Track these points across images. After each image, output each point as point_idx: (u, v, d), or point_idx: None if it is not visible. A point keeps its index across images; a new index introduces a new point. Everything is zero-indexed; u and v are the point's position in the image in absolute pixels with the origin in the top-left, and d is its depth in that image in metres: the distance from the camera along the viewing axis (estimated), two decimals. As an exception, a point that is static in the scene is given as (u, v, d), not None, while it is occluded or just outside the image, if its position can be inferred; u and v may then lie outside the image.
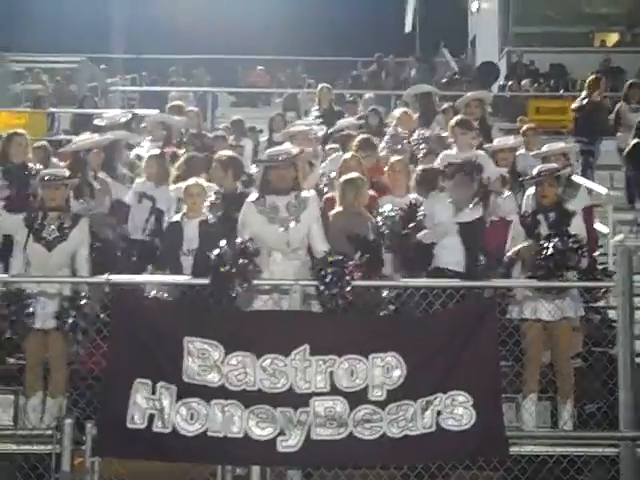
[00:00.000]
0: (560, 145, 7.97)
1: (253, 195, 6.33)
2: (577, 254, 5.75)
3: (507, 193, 7.15)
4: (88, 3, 23.60)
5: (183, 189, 6.89)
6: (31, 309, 5.73)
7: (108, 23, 19.10)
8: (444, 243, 6.36)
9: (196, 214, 6.73)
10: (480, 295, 5.79)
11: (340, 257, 5.64)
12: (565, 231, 5.95)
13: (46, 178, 6.15)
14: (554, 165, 6.72)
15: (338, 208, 6.58)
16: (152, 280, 5.81)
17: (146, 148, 8.47)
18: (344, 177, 6.68)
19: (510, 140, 7.94)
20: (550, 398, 6.08)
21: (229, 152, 7.64)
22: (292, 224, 6.07)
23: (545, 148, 7.69)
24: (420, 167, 7.37)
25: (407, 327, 5.51)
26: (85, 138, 7.59)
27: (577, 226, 6.17)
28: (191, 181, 6.90)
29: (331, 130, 9.34)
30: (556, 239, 5.75)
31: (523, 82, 17.79)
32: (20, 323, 5.68)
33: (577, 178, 8.03)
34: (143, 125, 9.39)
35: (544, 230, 6.09)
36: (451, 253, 6.32)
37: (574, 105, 12.15)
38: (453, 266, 6.30)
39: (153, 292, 6.05)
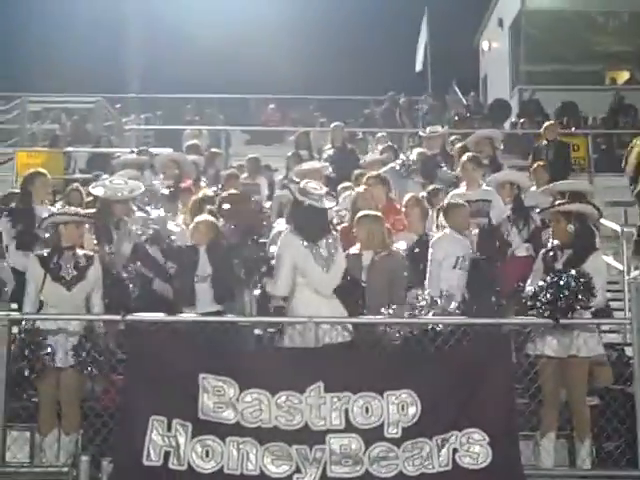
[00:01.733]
0: (571, 183, 7.98)
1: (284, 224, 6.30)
2: (586, 294, 5.63)
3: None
4: (103, 44, 24.00)
5: (193, 225, 6.94)
6: (49, 349, 5.74)
7: (123, 64, 19.37)
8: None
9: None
10: (496, 332, 5.78)
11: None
12: (578, 270, 5.84)
13: (66, 217, 6.22)
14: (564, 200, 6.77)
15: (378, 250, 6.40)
16: (166, 319, 5.80)
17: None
18: (363, 212, 6.58)
19: (514, 175, 8.04)
20: (568, 436, 6.03)
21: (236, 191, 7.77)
22: (332, 267, 5.80)
23: (555, 185, 7.71)
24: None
25: (421, 364, 5.50)
26: (119, 187, 7.39)
27: (594, 263, 6.07)
28: (201, 217, 6.97)
29: (357, 171, 9.15)
30: (564, 278, 5.66)
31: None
32: (38, 362, 5.69)
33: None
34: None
35: (559, 266, 6.07)
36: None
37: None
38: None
39: None
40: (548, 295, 5.56)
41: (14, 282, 7.24)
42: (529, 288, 6.01)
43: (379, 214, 6.64)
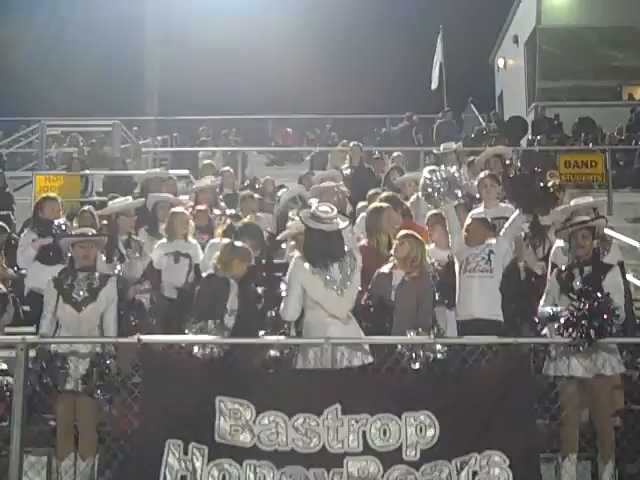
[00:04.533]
0: (589, 199, 7.91)
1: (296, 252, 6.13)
2: (609, 322, 5.53)
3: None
4: (121, 68, 24.26)
5: (230, 250, 6.54)
6: (62, 371, 5.73)
7: (141, 87, 19.56)
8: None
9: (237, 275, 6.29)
10: (515, 351, 5.70)
11: None
12: (597, 290, 5.75)
13: (78, 237, 6.24)
14: (587, 217, 6.69)
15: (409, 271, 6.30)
16: (183, 339, 5.77)
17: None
18: (406, 232, 6.50)
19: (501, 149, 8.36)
20: (590, 458, 5.92)
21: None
22: (346, 290, 5.66)
23: (573, 202, 7.64)
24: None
25: (440, 385, 5.43)
26: (118, 201, 7.71)
27: (613, 280, 6.03)
28: (239, 244, 6.42)
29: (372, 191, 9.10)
30: (586, 304, 5.54)
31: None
32: (52, 385, 5.68)
33: (609, 232, 7.94)
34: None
35: (578, 284, 5.99)
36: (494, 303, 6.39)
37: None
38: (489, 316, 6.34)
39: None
40: (583, 321, 5.49)
41: (32, 303, 7.26)
42: (547, 309, 5.95)
43: (419, 236, 6.53)
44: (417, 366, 5.66)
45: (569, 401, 5.79)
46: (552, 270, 6.44)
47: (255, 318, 6.29)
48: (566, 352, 5.81)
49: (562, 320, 5.58)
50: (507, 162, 8.61)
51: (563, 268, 6.24)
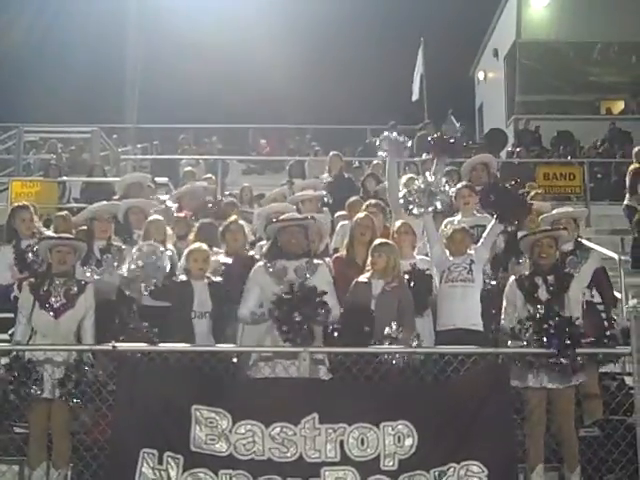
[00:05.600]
0: (569, 209, 7.94)
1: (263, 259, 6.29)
2: (578, 340, 5.62)
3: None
4: (100, 75, 24.13)
5: (187, 253, 6.77)
6: (36, 377, 5.62)
7: (120, 94, 19.44)
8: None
9: (202, 278, 6.57)
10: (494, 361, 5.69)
11: None
12: (562, 300, 5.91)
13: (56, 240, 6.15)
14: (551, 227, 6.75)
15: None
16: (159, 349, 5.69)
17: None
18: (381, 240, 6.53)
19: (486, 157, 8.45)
20: (556, 468, 5.91)
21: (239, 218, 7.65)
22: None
23: (555, 211, 7.67)
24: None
25: (418, 394, 5.41)
26: (92, 206, 7.57)
27: (577, 289, 6.11)
28: (195, 245, 6.76)
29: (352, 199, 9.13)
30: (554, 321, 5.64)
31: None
32: (24, 392, 5.58)
33: (586, 242, 7.97)
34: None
35: (543, 295, 6.01)
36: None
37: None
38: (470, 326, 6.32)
39: None
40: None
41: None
42: (508, 325, 5.98)
43: (392, 243, 6.55)
44: (396, 362, 5.65)
45: (537, 412, 5.77)
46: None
47: (227, 319, 6.33)
48: (534, 364, 5.76)
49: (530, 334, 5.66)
50: (492, 171, 8.63)
51: (525, 275, 6.22)
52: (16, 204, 7.85)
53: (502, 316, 6.13)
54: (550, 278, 6.08)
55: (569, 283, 6.09)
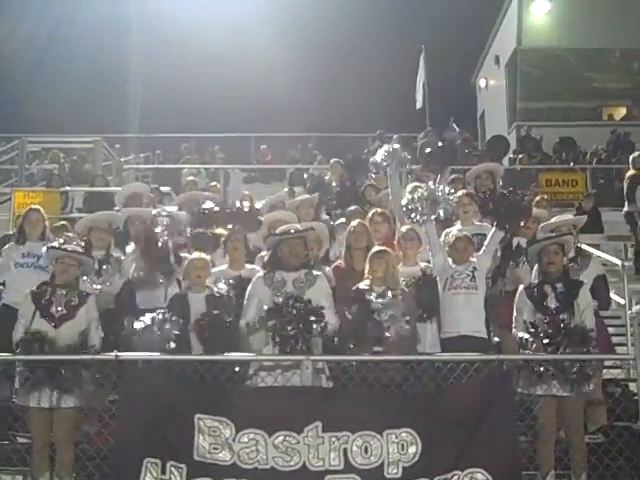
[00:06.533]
0: (569, 217, 7.92)
1: (263, 270, 6.32)
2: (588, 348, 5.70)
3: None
4: (103, 85, 24.22)
5: (186, 263, 6.76)
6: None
7: (122, 104, 19.52)
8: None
9: (201, 288, 6.52)
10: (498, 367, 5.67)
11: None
12: (571, 307, 5.91)
13: (66, 252, 6.15)
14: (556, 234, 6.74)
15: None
16: (161, 357, 5.69)
17: None
18: (378, 248, 6.54)
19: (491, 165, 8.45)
20: (565, 475, 5.87)
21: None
22: None
23: (555, 219, 7.65)
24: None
25: (421, 402, 5.39)
26: (90, 216, 7.58)
27: (585, 296, 6.10)
28: (195, 255, 6.75)
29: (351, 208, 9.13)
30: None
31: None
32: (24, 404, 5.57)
33: (587, 248, 7.95)
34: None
35: (552, 303, 6.01)
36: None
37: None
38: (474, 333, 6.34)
39: None
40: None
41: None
42: (520, 335, 6.00)
43: (390, 250, 6.54)
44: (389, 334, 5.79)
45: (548, 419, 5.76)
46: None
47: (224, 329, 6.27)
48: (545, 371, 5.76)
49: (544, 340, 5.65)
50: (497, 179, 8.62)
51: (533, 284, 6.23)
52: (29, 207, 7.87)
53: (513, 324, 6.15)
54: (559, 285, 6.07)
55: (578, 290, 6.08)
